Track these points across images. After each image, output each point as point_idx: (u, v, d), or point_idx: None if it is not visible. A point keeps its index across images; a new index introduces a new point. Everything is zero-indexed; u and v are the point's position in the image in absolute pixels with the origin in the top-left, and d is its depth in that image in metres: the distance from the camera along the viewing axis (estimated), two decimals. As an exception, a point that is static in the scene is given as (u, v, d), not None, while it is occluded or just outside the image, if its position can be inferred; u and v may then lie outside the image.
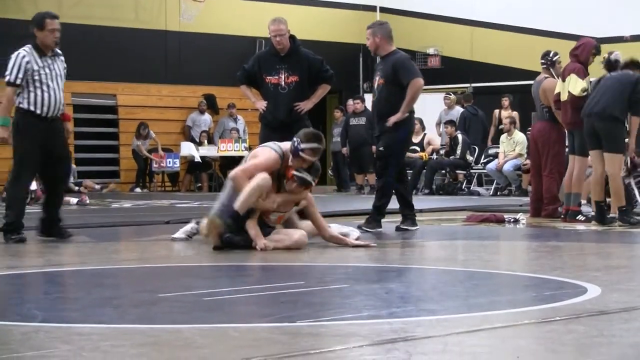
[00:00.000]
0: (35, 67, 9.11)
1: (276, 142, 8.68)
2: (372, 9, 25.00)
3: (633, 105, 10.65)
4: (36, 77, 9.11)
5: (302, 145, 8.38)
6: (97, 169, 22.03)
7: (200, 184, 22.15)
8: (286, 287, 6.10)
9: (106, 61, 21.77)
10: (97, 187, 20.85)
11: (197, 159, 21.84)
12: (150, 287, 6.36)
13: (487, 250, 8.87)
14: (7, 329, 4.62)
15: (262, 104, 10.32)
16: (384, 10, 24.93)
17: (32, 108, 9.10)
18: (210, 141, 22.54)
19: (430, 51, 24.56)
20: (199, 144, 22.30)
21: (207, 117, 23.02)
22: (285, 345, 4.24)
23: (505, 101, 20.38)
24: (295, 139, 8.47)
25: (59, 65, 9.31)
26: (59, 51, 9.33)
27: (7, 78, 9.10)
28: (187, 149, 22.08)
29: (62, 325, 4.67)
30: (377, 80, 10.42)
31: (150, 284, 6.67)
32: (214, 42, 23.15)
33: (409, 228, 10.25)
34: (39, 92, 9.12)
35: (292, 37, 10.28)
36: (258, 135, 10.83)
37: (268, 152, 8.54)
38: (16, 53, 9.18)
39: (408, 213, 10.36)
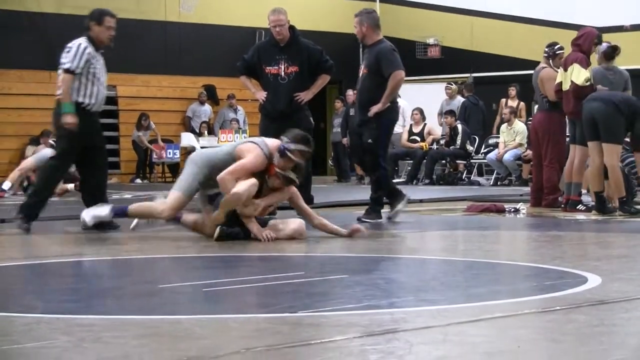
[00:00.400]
0: (93, 61, 9.14)
1: (264, 139, 8.45)
2: (372, -2, 24.96)
3: (638, 140, 10.69)
4: (91, 70, 9.14)
5: (291, 146, 8.24)
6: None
7: (200, 175, 22.10)
8: (286, 277, 6.10)
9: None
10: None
11: (198, 149, 21.80)
12: (150, 278, 6.37)
13: (488, 240, 8.86)
14: (8, 320, 4.62)
15: (262, 95, 10.32)
16: (384, 0, 24.87)
17: (80, 99, 9.07)
18: (211, 132, 22.52)
19: (431, 41, 24.51)
20: (199, 134, 22.28)
21: (207, 107, 23.01)
22: (286, 335, 4.24)
23: (512, 90, 20.27)
24: (283, 137, 8.32)
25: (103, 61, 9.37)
26: None
27: (67, 65, 9.04)
28: (187, 139, 22.05)
29: (63, 317, 4.66)
30: (362, 69, 10.35)
31: (150, 275, 6.68)
32: (213, 33, 23.11)
33: (400, 209, 10.11)
34: (89, 84, 9.12)
35: (291, 28, 10.28)
36: (258, 125, 10.83)
37: (256, 152, 8.25)
38: (77, 43, 9.15)
39: (392, 198, 10.22)
